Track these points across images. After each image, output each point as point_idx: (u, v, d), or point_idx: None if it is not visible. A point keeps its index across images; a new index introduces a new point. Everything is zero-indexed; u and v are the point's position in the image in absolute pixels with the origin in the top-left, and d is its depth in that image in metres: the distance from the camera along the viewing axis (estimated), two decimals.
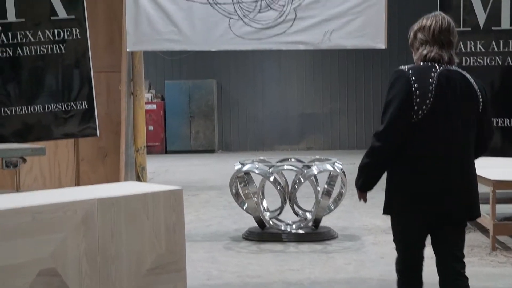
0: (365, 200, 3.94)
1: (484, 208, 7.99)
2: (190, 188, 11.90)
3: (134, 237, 3.99)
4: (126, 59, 11.04)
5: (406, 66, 3.62)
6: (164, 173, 14.43)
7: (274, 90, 20.11)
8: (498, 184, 6.49)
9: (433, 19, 3.72)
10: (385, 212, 3.82)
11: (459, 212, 3.67)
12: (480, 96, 3.64)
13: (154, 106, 19.28)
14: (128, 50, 7.21)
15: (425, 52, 3.63)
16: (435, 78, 3.52)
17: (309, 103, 20.06)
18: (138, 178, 11.15)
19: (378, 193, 10.79)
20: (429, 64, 3.60)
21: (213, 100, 19.49)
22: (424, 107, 3.52)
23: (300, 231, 7.40)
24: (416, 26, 3.76)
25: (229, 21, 7.12)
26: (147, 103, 18.80)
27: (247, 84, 20.05)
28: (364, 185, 3.86)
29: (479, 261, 6.37)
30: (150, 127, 19.15)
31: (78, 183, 11.56)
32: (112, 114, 11.46)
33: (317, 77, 20.00)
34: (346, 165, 15.62)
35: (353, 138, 19.95)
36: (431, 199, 3.61)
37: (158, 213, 4.20)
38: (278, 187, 7.40)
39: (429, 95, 3.51)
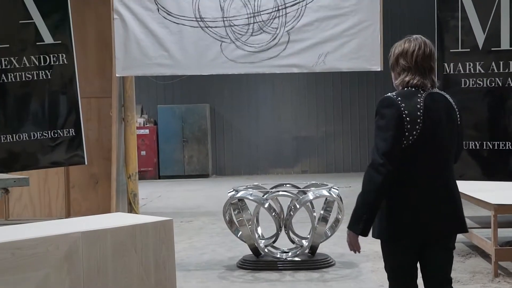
0: (358, 249, 3.76)
1: (485, 233, 7.82)
2: (183, 214, 11.69)
3: (122, 273, 3.79)
4: (116, 84, 10.88)
5: (393, 94, 3.59)
6: (157, 199, 14.21)
7: (268, 113, 19.96)
8: (500, 208, 6.30)
9: (415, 44, 3.64)
10: (376, 236, 3.74)
11: (448, 231, 3.74)
12: (458, 115, 3.69)
13: (147, 131, 19.10)
14: (117, 75, 7.03)
15: (407, 79, 3.61)
16: (421, 103, 3.53)
17: (303, 126, 19.91)
18: (130, 205, 10.94)
19: None
20: (413, 89, 3.59)
21: (206, 125, 19.32)
22: (414, 132, 3.51)
23: (296, 259, 7.18)
24: (397, 50, 3.68)
25: (221, 45, 6.98)
26: (139, 128, 18.67)
27: (240, 108, 19.90)
28: (366, 228, 3.60)
29: None
30: (143, 152, 18.98)
31: (68, 211, 11.37)
32: (103, 140, 11.29)
33: (311, 100, 19.87)
34: (342, 188, 15.50)
35: (348, 161, 19.78)
36: (422, 227, 3.60)
37: (147, 247, 4.01)
38: (273, 213, 7.20)
39: (418, 120, 3.50)
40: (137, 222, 4.05)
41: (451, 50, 5.88)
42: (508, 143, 5.72)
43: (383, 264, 7.08)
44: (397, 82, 3.67)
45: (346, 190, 14.95)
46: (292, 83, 19.81)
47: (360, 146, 19.67)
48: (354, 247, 3.71)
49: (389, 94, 3.59)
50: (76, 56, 11.06)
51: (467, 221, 5.68)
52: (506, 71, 5.69)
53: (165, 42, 6.96)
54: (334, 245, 8.30)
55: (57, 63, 6.59)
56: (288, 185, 7.84)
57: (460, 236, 8.07)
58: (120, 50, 6.93)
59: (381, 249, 3.80)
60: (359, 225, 3.56)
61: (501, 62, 5.71)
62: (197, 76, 18.98)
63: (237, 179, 18.45)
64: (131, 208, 10.94)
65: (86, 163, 6.73)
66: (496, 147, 5.75)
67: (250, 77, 19.48)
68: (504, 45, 5.71)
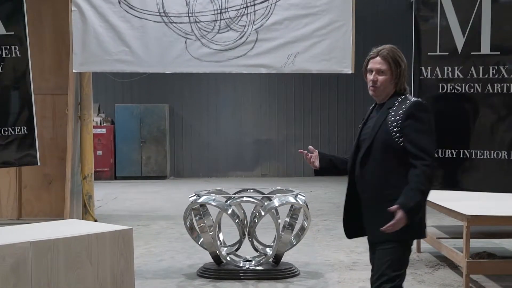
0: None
1: (451, 243, 7.60)
2: (140, 217, 11.29)
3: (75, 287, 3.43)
4: (73, 81, 10.43)
5: (419, 99, 3.95)
6: (113, 201, 13.75)
7: (229, 115, 19.61)
8: (473, 219, 6.06)
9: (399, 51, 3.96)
10: (421, 236, 3.94)
11: None
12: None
13: (103, 130, 18.58)
14: (74, 71, 6.61)
15: (405, 85, 3.94)
16: None
17: (264, 129, 19.61)
18: (85, 207, 10.50)
19: (338, 224, 10.23)
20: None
21: (165, 125, 18.88)
22: None
23: (260, 268, 6.86)
24: (400, 54, 3.93)
25: (185, 42, 6.64)
26: (96, 127, 18.16)
27: (200, 109, 19.52)
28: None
29: None
30: (99, 152, 18.47)
31: (20, 212, 10.86)
32: (58, 139, 10.82)
33: (272, 102, 19.59)
34: (302, 193, 15.21)
35: (309, 165, 19.44)
36: None
37: (104, 259, 3.65)
38: (236, 220, 6.86)
39: None
40: (93, 231, 3.68)
41: (428, 53, 5.61)
42: (486, 152, 5.47)
43: (349, 274, 6.90)
44: (397, 87, 3.87)
45: (307, 195, 14.54)
46: (254, 85, 19.50)
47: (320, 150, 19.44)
48: (396, 229, 3.69)
49: (417, 99, 3.89)
50: (32, 51, 10.64)
51: (434, 230, 5.41)
52: (486, 76, 5.44)
53: (126, 37, 6.58)
54: (298, 253, 8.02)
55: (9, 55, 6.14)
56: (251, 191, 7.50)
57: (427, 246, 7.89)
58: (78, 45, 6.52)
59: (400, 252, 3.84)
60: (416, 217, 3.71)
61: (481, 67, 5.46)
62: (156, 75, 18.54)
63: (196, 182, 18.08)
64: (86, 210, 10.50)
65: (39, 163, 6.29)
66: (473, 156, 5.51)
67: (211, 77, 19.13)
68: (485, 49, 5.45)
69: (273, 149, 19.59)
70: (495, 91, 5.49)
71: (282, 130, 19.58)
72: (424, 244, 7.86)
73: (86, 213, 10.52)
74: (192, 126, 19.58)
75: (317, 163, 4.30)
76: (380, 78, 3.83)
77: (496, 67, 5.47)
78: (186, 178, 19.17)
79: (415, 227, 3.78)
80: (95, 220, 10.61)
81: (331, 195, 14.63)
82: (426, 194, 3.70)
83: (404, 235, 3.74)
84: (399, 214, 3.60)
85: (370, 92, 3.93)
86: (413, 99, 3.82)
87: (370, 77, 3.89)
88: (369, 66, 3.91)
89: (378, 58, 3.85)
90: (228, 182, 17.83)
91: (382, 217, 3.67)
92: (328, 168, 4.29)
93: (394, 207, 3.60)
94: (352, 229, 4.16)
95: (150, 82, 19.02)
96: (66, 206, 10.34)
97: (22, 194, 10.80)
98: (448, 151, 5.51)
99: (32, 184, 10.83)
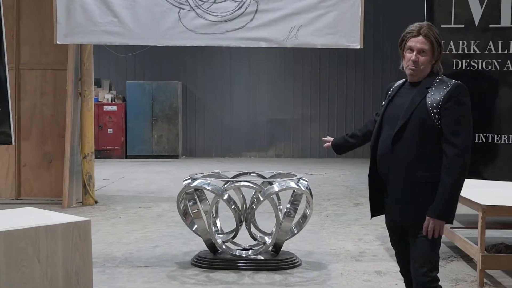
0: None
1: (466, 232, 7.07)
2: (143, 198, 10.86)
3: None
4: (73, 55, 9.98)
5: (459, 82, 3.74)
6: (120, 181, 13.34)
7: (243, 94, 19.10)
8: (489, 209, 5.52)
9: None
10: (451, 220, 3.75)
11: None
12: None
13: (114, 108, 18.17)
14: (58, 42, 6.10)
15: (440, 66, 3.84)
16: None
17: (279, 108, 19.08)
18: (85, 188, 10.08)
19: (349, 209, 9.54)
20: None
21: (177, 103, 18.41)
22: None
23: (258, 257, 6.38)
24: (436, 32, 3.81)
25: (179, 12, 6.13)
26: (107, 104, 17.80)
27: (214, 87, 19.01)
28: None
29: None
30: (110, 130, 18.12)
31: (19, 192, 10.46)
32: (59, 116, 10.40)
33: (288, 80, 19.03)
34: (316, 175, 14.76)
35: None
36: None
37: (55, 255, 3.18)
38: (233, 206, 6.37)
39: None
40: (43, 223, 3.21)
41: (442, 26, 5.02)
42: (504, 137, 4.91)
43: (354, 265, 6.40)
44: (429, 67, 3.76)
45: (320, 177, 14.18)
46: (269, 62, 18.95)
47: (337, 131, 18.87)
48: (440, 233, 3.67)
49: (459, 82, 3.70)
50: (30, 22, 10.23)
51: None
52: (506, 52, 4.86)
53: (114, 7, 6.08)
54: (302, 241, 7.54)
55: None
56: (253, 174, 7.00)
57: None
58: (62, 14, 6.03)
59: (439, 233, 3.70)
60: (452, 214, 3.65)
61: (500, 42, 4.87)
62: (168, 51, 18.10)
63: (208, 161, 17.66)
64: (86, 191, 10.10)
65: (13, 142, 5.80)
66: (490, 140, 4.96)
67: (225, 54, 18.62)
68: (505, 21, 4.85)
69: (288, 129, 19.07)
70: None
71: (298, 109, 19.03)
72: None
73: (86, 193, 10.13)
74: (205, 104, 19.10)
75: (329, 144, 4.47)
76: (422, 58, 3.71)
77: None
78: (198, 158, 18.75)
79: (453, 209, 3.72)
80: (95, 201, 10.21)
81: (345, 177, 14.10)
82: (458, 186, 3.65)
83: None
84: (431, 225, 3.63)
85: (408, 71, 3.79)
86: (454, 81, 3.70)
87: (409, 56, 3.75)
88: (409, 44, 3.75)
89: (420, 38, 3.71)
90: (241, 163, 17.36)
91: (413, 199, 3.67)
92: (342, 145, 4.43)
93: (425, 224, 3.64)
94: (376, 208, 4.02)
95: (163, 58, 18.57)
96: (64, 186, 9.94)
97: (22, 172, 10.42)
98: None
99: (32, 163, 10.44)
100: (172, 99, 18.34)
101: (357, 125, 18.82)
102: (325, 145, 4.57)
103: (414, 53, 3.72)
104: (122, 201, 10.53)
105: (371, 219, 4.17)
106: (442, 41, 3.67)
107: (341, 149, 4.42)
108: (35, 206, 9.77)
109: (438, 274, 3.76)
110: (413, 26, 3.77)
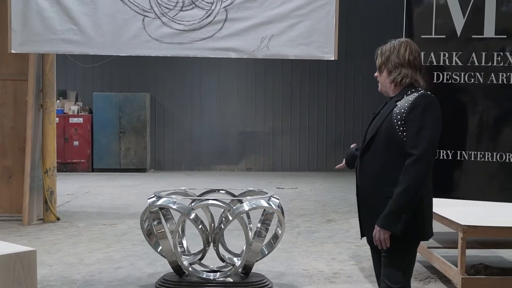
0: (388, 246, 3.56)
1: (446, 251, 6.79)
2: (108, 215, 10.43)
3: None
4: (34, 65, 9.55)
5: (427, 92, 3.64)
6: (84, 196, 12.88)
7: (213, 105, 18.72)
8: (470, 230, 5.25)
9: (407, 44, 3.72)
10: (412, 237, 3.60)
11: None
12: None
13: (80, 120, 17.68)
14: (12, 51, 5.71)
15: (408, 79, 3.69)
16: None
17: (250, 121, 18.74)
18: (46, 204, 9.64)
19: (322, 225, 9.16)
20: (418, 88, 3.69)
21: (145, 115, 17.96)
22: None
23: (227, 280, 6.03)
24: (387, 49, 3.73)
25: (143, 20, 5.79)
26: (73, 116, 17.38)
27: (183, 99, 18.61)
28: (404, 228, 3.50)
29: None
30: (76, 143, 17.64)
31: None
32: (20, 128, 9.94)
33: (258, 92, 18.71)
34: (287, 189, 14.42)
35: (296, 159, 18.67)
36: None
37: None
38: (200, 226, 6.01)
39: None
40: None
41: (422, 36, 4.74)
42: (488, 154, 4.63)
43: (327, 287, 6.04)
44: (389, 79, 3.68)
45: (292, 192, 13.86)
46: (239, 74, 18.63)
47: (308, 145, 18.59)
48: (386, 244, 3.53)
49: (425, 92, 3.62)
50: None
51: None
52: (489, 64, 4.59)
53: (74, 14, 5.72)
54: (273, 261, 7.21)
55: None
56: (222, 192, 6.65)
57: (418, 255, 7.08)
58: (17, 20, 5.65)
59: (404, 251, 3.61)
60: (398, 225, 3.47)
61: (484, 53, 4.60)
62: (136, 61, 17.69)
63: (177, 175, 17.26)
64: (47, 207, 9.66)
65: None
66: (472, 158, 4.67)
67: (195, 65, 18.27)
68: (488, 32, 4.59)
69: (259, 142, 18.73)
70: (500, 81, 4.65)
71: (269, 122, 18.71)
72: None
73: (48, 210, 9.69)
74: (174, 116, 18.69)
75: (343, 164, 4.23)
76: (378, 75, 3.76)
77: (501, 53, 4.64)
78: (167, 171, 18.32)
79: (416, 227, 3.58)
80: (57, 218, 9.77)
81: (316, 192, 13.78)
82: (406, 195, 3.44)
83: (404, 237, 3.54)
84: (377, 234, 3.52)
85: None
86: (421, 91, 3.61)
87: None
88: None
89: (377, 56, 3.77)
90: (211, 176, 16.99)
91: (378, 214, 3.53)
92: (353, 161, 4.09)
93: (373, 233, 3.55)
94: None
95: (130, 69, 18.17)
96: (24, 202, 9.49)
97: None
98: (443, 152, 4.66)
99: None
100: (140, 111, 17.91)
101: (329, 138, 18.59)
102: (336, 166, 4.40)
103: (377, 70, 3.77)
104: (86, 218, 10.10)
105: (361, 239, 3.97)
106: (401, 57, 3.59)
107: (351, 163, 4.14)
108: None
109: None
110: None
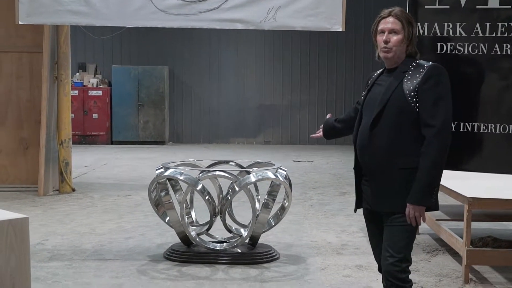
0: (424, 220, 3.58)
1: (452, 224, 6.78)
2: (123, 187, 10.53)
3: None
4: (48, 38, 9.61)
5: (437, 63, 3.61)
6: (101, 168, 13.00)
7: (231, 79, 18.72)
8: (476, 202, 5.23)
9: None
10: (435, 208, 3.61)
11: None
12: None
13: (100, 93, 17.79)
14: (20, 22, 5.77)
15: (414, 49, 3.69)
16: None
17: (268, 94, 18.73)
18: (61, 175, 9.75)
19: (335, 198, 9.17)
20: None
21: (164, 88, 18.03)
22: None
23: (235, 250, 6.08)
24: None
25: None
26: (92, 89, 17.46)
27: (202, 72, 18.64)
28: (437, 201, 3.61)
29: None
30: (95, 115, 17.77)
31: None
32: (36, 100, 10.03)
33: (277, 66, 18.66)
34: (303, 162, 14.42)
35: (313, 132, 18.58)
36: None
37: None
38: (207, 197, 6.05)
39: None
40: None
41: (426, 7, 4.69)
42: (491, 126, 4.60)
43: (334, 259, 6.10)
44: (403, 49, 3.62)
45: (308, 164, 13.87)
46: (258, 48, 18.58)
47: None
48: (423, 220, 3.55)
49: (435, 63, 3.60)
50: (6, 5, 9.83)
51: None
52: (494, 35, 4.53)
53: None
54: (283, 232, 7.25)
55: None
56: (232, 163, 6.68)
57: (425, 227, 7.08)
58: None
59: (422, 220, 3.58)
60: (432, 198, 3.51)
61: (488, 24, 4.54)
62: (154, 34, 17.71)
63: (195, 148, 17.35)
64: (63, 178, 9.76)
65: None
66: (476, 130, 4.64)
67: (213, 38, 18.26)
68: (493, 2, 4.53)
69: (277, 115, 18.73)
70: (504, 52, 4.59)
71: (287, 96, 18.68)
72: (424, 225, 7.04)
73: (63, 181, 9.79)
74: (193, 89, 18.73)
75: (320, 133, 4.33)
76: (393, 38, 3.59)
77: (506, 24, 4.56)
78: (185, 144, 18.42)
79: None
80: (73, 189, 9.88)
81: (333, 165, 13.79)
82: (436, 168, 3.47)
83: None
84: (411, 211, 3.50)
85: (382, 54, 3.66)
86: (431, 63, 3.58)
87: (381, 38, 3.64)
88: (380, 26, 3.66)
89: (390, 18, 3.62)
90: (229, 149, 17.04)
91: (392, 186, 3.55)
92: (331, 133, 4.27)
93: (406, 211, 3.52)
94: (361, 201, 3.89)
95: (149, 42, 18.19)
96: (40, 174, 9.61)
97: None
98: None
99: (8, 149, 10.10)
100: (158, 84, 17.97)
101: (346, 110, 18.50)
102: (312, 135, 4.49)
103: (386, 33, 3.61)
104: (101, 189, 10.21)
105: (355, 212, 4.05)
106: (417, 23, 3.58)
107: (328, 134, 4.27)
108: (10, 194, 9.48)
109: (416, 267, 3.63)
110: (385, 10, 3.68)
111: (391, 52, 3.61)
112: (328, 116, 4.22)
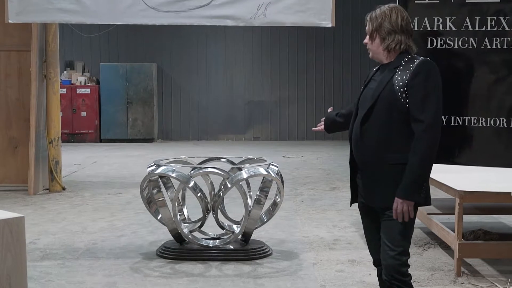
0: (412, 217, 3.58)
1: (448, 218, 6.82)
2: (114, 185, 10.51)
3: None
4: (37, 36, 9.57)
5: (428, 58, 3.62)
6: (91, 166, 12.97)
7: (220, 75, 18.72)
8: (467, 195, 5.25)
9: (397, 10, 3.67)
10: (423, 203, 3.61)
11: None
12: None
13: (88, 91, 17.74)
14: (10, 21, 5.74)
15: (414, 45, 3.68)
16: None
17: (257, 90, 18.74)
18: (51, 174, 9.72)
19: (325, 193, 9.19)
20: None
21: (152, 85, 18.00)
22: None
23: (228, 247, 6.09)
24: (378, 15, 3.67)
25: None
26: (80, 87, 17.40)
27: (190, 69, 18.62)
28: (428, 197, 3.61)
29: None
30: (83, 113, 17.73)
31: None
32: (24, 99, 9.99)
33: (265, 61, 18.67)
34: (293, 158, 14.46)
35: (302, 128, 18.69)
36: None
37: None
38: (199, 194, 6.05)
39: None
40: None
41: (416, 1, 4.70)
42: (482, 119, 4.62)
43: (327, 254, 6.11)
44: (383, 47, 3.63)
45: (298, 160, 13.90)
46: (246, 43, 18.58)
47: (315, 113, 18.57)
48: (410, 215, 3.52)
49: (426, 58, 3.60)
50: None
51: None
52: (483, 29, 4.55)
53: None
54: (275, 228, 7.26)
55: None
56: (223, 160, 6.69)
57: (417, 221, 7.10)
58: None
59: (410, 216, 3.55)
60: (421, 193, 3.51)
61: (477, 18, 4.56)
62: (142, 31, 17.66)
63: (184, 145, 17.34)
64: (53, 177, 9.73)
65: None
66: (466, 123, 4.67)
67: (201, 35, 18.25)
68: None
69: (266, 111, 18.75)
70: (494, 46, 4.62)
71: (276, 92, 18.70)
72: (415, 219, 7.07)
73: (53, 180, 9.77)
74: (181, 86, 18.71)
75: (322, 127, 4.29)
76: (369, 41, 3.69)
77: (495, 17, 4.59)
78: (174, 141, 18.41)
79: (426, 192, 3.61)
80: (63, 188, 9.86)
81: (322, 160, 13.81)
82: (425, 163, 3.47)
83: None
84: (399, 206, 3.48)
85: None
86: (421, 58, 3.59)
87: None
88: None
89: (367, 20, 3.71)
90: (218, 146, 17.04)
91: (383, 181, 3.56)
92: (333, 127, 4.22)
93: (394, 206, 3.51)
94: (356, 196, 3.88)
95: (137, 39, 18.15)
96: (30, 173, 9.57)
97: None
98: None
99: None
100: (147, 81, 17.94)
101: (335, 106, 18.50)
102: (313, 128, 4.46)
103: (367, 36, 3.72)
104: (91, 188, 10.19)
105: (350, 206, 4.04)
106: (393, 22, 3.54)
107: (330, 127, 4.23)
108: (0, 194, 9.44)
109: (409, 261, 3.64)
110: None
111: (371, 54, 3.72)
112: (329, 110, 4.21)
